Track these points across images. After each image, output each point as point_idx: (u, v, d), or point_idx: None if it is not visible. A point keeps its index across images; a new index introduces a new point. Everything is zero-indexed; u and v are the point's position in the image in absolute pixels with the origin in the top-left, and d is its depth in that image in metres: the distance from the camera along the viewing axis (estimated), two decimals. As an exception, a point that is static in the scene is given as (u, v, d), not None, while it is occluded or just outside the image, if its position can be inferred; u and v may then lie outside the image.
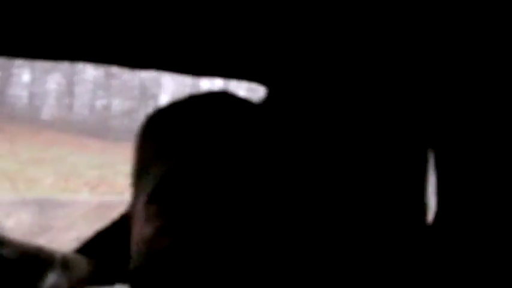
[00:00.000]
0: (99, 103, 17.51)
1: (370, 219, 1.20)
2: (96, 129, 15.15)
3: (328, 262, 1.19)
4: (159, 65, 1.32)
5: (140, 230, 0.93)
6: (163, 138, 0.92)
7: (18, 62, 15.25)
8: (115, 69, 16.69)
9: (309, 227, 1.18)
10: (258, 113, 0.99)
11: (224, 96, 0.97)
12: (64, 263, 1.29)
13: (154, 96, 16.34)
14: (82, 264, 1.30)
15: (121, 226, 1.44)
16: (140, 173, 0.94)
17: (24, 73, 16.87)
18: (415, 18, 1.09)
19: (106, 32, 1.16)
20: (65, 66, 16.44)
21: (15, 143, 11.70)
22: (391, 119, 1.22)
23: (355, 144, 1.23)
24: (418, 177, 1.23)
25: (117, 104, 17.45)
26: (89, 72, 17.34)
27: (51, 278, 1.30)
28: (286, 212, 0.98)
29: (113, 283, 1.02)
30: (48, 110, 17.03)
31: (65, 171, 10.09)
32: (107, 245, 1.45)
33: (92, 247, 1.43)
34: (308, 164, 1.20)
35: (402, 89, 1.20)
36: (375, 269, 1.18)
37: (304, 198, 1.12)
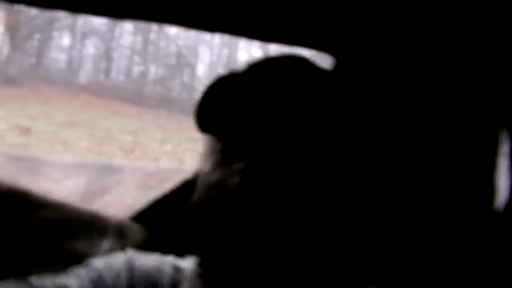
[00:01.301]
0: (136, 69, 17.53)
1: (438, 202, 1.17)
2: (131, 95, 15.19)
3: (399, 246, 1.15)
4: (229, 28, 1.30)
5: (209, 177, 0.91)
6: (238, 109, 0.89)
7: (58, 25, 15.30)
8: (152, 36, 16.72)
9: (381, 208, 1.15)
10: (334, 81, 0.96)
11: (300, 61, 0.94)
12: (119, 230, 1.32)
13: (191, 65, 16.29)
14: (136, 232, 1.33)
15: (177, 196, 1.45)
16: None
17: (63, 37, 16.93)
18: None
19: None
20: (103, 31, 16.50)
21: (52, 105, 11.77)
22: (461, 95, 1.17)
23: (423, 123, 1.19)
24: (489, 159, 1.15)
25: (153, 71, 17.47)
26: (127, 37, 17.36)
27: (105, 244, 1.29)
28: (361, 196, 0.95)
29: (166, 252, 1.01)
30: (85, 74, 17.10)
31: (100, 135, 10.14)
32: (161, 214, 1.45)
33: (147, 215, 1.45)
34: (378, 144, 1.16)
35: (475, 63, 1.15)
36: (444, 255, 1.15)
37: (378, 179, 1.09)
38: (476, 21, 1.11)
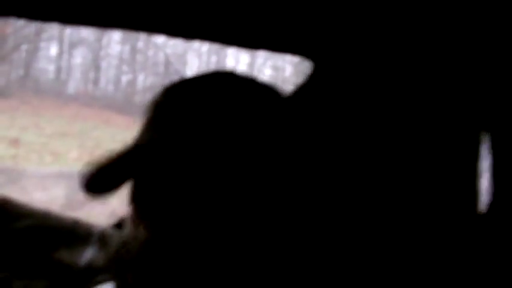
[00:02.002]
0: (124, 78, 17.55)
1: (420, 206, 1.16)
2: (120, 104, 15.19)
3: (378, 252, 1.14)
4: (213, 36, 1.31)
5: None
6: (159, 117, 0.84)
7: (46, 36, 15.29)
8: (140, 45, 16.73)
9: (352, 217, 1.13)
10: (270, 97, 0.89)
11: (230, 77, 0.87)
12: (102, 238, 1.30)
13: (179, 73, 16.29)
14: (119, 239, 1.28)
15: None
16: None
17: (51, 47, 16.92)
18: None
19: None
20: (91, 40, 16.50)
21: (40, 116, 11.76)
22: (442, 100, 1.17)
23: (404, 127, 1.18)
24: (470, 162, 1.16)
25: (142, 80, 17.49)
26: (115, 47, 17.37)
27: (89, 252, 1.29)
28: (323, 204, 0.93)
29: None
30: (74, 84, 17.09)
31: (90, 145, 10.13)
32: None
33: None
34: (350, 147, 1.15)
35: (455, 68, 1.16)
36: (426, 259, 1.14)
37: (347, 185, 1.08)
38: (456, 26, 1.11)
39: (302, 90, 1.32)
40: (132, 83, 17.11)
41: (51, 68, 17.16)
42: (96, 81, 17.02)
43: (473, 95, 1.16)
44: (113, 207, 1.40)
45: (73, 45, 16.94)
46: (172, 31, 1.29)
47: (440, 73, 1.18)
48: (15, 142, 9.32)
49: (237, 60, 17.28)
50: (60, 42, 16.69)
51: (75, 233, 1.33)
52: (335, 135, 1.16)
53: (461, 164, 1.17)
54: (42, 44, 16.47)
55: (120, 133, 12.49)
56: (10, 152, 8.64)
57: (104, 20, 1.26)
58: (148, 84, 17.03)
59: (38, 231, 1.31)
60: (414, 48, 1.18)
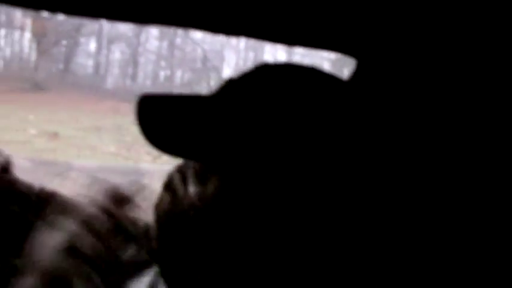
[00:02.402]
0: (162, 74, 17.64)
1: (480, 211, 1.14)
2: (158, 100, 15.24)
3: (440, 253, 1.12)
4: (253, 32, 1.30)
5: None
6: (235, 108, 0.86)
7: (85, 31, 15.45)
8: (178, 41, 16.80)
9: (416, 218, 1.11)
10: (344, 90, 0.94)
11: (309, 71, 0.91)
12: (146, 234, 1.34)
13: (217, 69, 16.34)
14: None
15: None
16: None
17: (90, 42, 17.08)
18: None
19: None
20: (129, 36, 16.60)
21: (79, 110, 11.87)
22: (494, 101, 1.14)
23: (455, 128, 1.16)
24: None
25: (179, 76, 17.56)
26: (153, 42, 17.47)
27: (133, 246, 1.32)
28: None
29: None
30: (112, 79, 17.24)
31: (127, 140, 10.19)
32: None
33: None
34: (396, 145, 1.14)
35: (503, 63, 1.13)
36: (486, 263, 1.12)
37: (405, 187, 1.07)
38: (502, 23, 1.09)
39: (346, 87, 1.29)
40: (169, 78, 17.20)
41: (90, 63, 17.34)
42: (134, 77, 17.14)
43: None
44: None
45: (111, 41, 17.08)
46: (210, 26, 1.29)
47: (491, 72, 1.16)
48: (54, 136, 9.42)
49: (275, 57, 17.26)
50: (99, 37, 16.84)
51: (120, 227, 1.36)
52: (381, 134, 1.14)
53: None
54: (82, 39, 16.64)
55: (157, 128, 12.49)
56: (49, 145, 8.74)
57: (142, 16, 1.26)
58: (185, 80, 17.11)
59: (83, 223, 1.34)
60: (460, 45, 1.17)
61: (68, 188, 1.45)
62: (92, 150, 9.41)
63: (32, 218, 1.32)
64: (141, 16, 1.27)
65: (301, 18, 1.20)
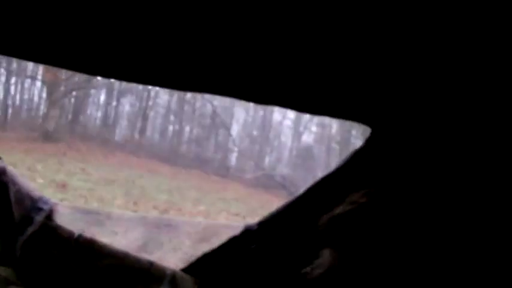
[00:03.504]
0: (171, 128, 17.68)
1: (491, 218, 1.21)
2: (166, 154, 15.29)
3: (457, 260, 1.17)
4: (271, 99, 1.35)
5: None
6: None
7: (96, 83, 15.51)
8: (188, 96, 16.88)
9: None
10: None
11: None
12: (172, 280, 1.45)
13: (225, 125, 16.36)
14: (188, 282, 1.46)
15: (226, 250, 1.56)
16: None
17: (100, 94, 17.16)
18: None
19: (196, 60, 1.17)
20: (139, 89, 16.70)
21: (88, 162, 11.86)
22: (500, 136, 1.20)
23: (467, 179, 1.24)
24: None
25: (188, 131, 17.61)
26: (163, 96, 17.57)
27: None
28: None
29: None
30: (121, 132, 17.26)
31: (135, 193, 10.16)
32: (212, 266, 1.55)
33: (199, 267, 1.55)
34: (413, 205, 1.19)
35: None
36: (491, 265, 1.18)
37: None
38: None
39: (361, 153, 1.43)
40: (178, 133, 17.24)
41: (100, 114, 17.41)
42: (142, 130, 17.18)
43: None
44: (184, 253, 1.63)
45: (122, 93, 17.18)
46: (221, 91, 1.35)
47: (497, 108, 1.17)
48: (62, 186, 9.38)
49: (284, 115, 17.29)
50: (110, 89, 16.94)
51: (150, 273, 1.47)
52: (392, 195, 1.20)
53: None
54: (92, 91, 16.72)
55: (165, 182, 12.53)
56: (58, 196, 8.65)
57: (150, 79, 1.32)
58: (194, 135, 17.16)
59: (118, 269, 1.46)
60: (469, 115, 1.20)
61: (104, 235, 1.53)
62: (100, 202, 9.34)
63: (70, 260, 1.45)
64: (151, 80, 1.32)
65: (314, 87, 1.25)
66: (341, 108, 1.36)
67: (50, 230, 1.49)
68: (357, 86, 1.20)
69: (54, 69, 13.41)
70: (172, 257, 1.58)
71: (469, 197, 1.22)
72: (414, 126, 1.32)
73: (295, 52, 1.07)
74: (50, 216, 1.50)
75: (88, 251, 1.46)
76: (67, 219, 1.53)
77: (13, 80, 16.09)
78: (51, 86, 14.01)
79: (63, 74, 13.67)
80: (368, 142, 1.41)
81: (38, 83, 15.87)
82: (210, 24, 0.98)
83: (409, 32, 0.95)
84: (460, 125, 1.22)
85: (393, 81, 1.16)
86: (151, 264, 1.49)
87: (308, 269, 1.07)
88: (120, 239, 1.57)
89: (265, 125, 17.18)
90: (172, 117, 17.85)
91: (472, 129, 1.22)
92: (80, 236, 1.49)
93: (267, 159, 17.08)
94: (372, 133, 1.41)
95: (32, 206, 1.48)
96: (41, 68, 14.55)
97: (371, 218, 1.03)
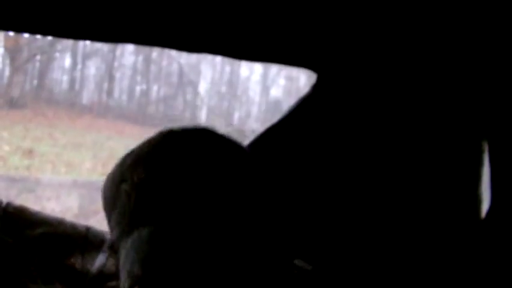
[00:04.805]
0: (138, 89, 17.54)
1: (423, 214, 1.20)
2: (134, 115, 15.20)
3: (383, 258, 1.17)
4: (211, 48, 1.34)
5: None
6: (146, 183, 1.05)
7: (60, 46, 15.34)
8: (154, 55, 16.75)
9: (363, 224, 1.17)
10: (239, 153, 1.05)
11: (204, 134, 1.08)
12: (112, 245, 1.33)
13: (193, 83, 16.30)
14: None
15: None
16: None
17: (65, 57, 16.96)
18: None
19: (156, 12, 1.16)
20: (104, 51, 16.54)
21: (54, 127, 11.79)
22: (444, 110, 1.19)
23: (407, 137, 1.22)
24: (472, 170, 1.16)
25: (156, 90, 17.48)
26: (128, 57, 17.39)
27: (101, 259, 1.35)
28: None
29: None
30: (88, 95, 17.11)
31: (104, 155, 10.14)
32: None
33: None
34: (352, 153, 1.20)
35: (455, 80, 1.17)
36: (428, 264, 1.17)
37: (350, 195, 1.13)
38: (455, 34, 1.12)
39: (307, 100, 1.39)
40: (145, 93, 17.11)
41: (65, 78, 17.21)
42: (109, 92, 17.01)
43: (474, 102, 1.17)
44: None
45: (87, 56, 16.97)
46: (183, 46, 1.34)
47: (441, 80, 1.21)
48: (29, 153, 9.35)
49: (251, 70, 17.24)
50: (74, 53, 16.73)
51: (87, 240, 1.38)
52: (338, 143, 1.19)
53: (463, 170, 1.19)
54: (57, 55, 16.51)
55: (133, 143, 12.42)
56: (24, 162, 8.68)
57: (115, 36, 1.32)
58: (162, 95, 17.04)
59: (51, 238, 1.36)
60: (416, 56, 1.21)
61: (37, 202, 1.51)
62: (68, 166, 9.35)
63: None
64: (115, 36, 1.32)
65: (263, 35, 1.25)
66: (285, 53, 1.34)
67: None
68: (301, 29, 1.19)
69: (16, 35, 13.26)
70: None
71: (404, 158, 1.24)
72: (361, 73, 1.29)
73: None
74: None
75: (18, 220, 1.37)
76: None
77: (-25, 48, 15.86)
78: (13, 52, 13.85)
79: (25, 39, 13.50)
80: (314, 89, 1.37)
81: (0, 50, 15.66)
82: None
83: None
84: (409, 75, 1.23)
85: (339, 24, 1.16)
86: (88, 229, 1.41)
87: None
88: (54, 205, 1.51)
89: (233, 80, 17.09)
90: (139, 78, 17.69)
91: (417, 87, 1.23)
92: (8, 204, 1.40)
93: (236, 115, 17.02)
94: (317, 79, 1.37)
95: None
96: (1, 34, 14.34)
97: None
